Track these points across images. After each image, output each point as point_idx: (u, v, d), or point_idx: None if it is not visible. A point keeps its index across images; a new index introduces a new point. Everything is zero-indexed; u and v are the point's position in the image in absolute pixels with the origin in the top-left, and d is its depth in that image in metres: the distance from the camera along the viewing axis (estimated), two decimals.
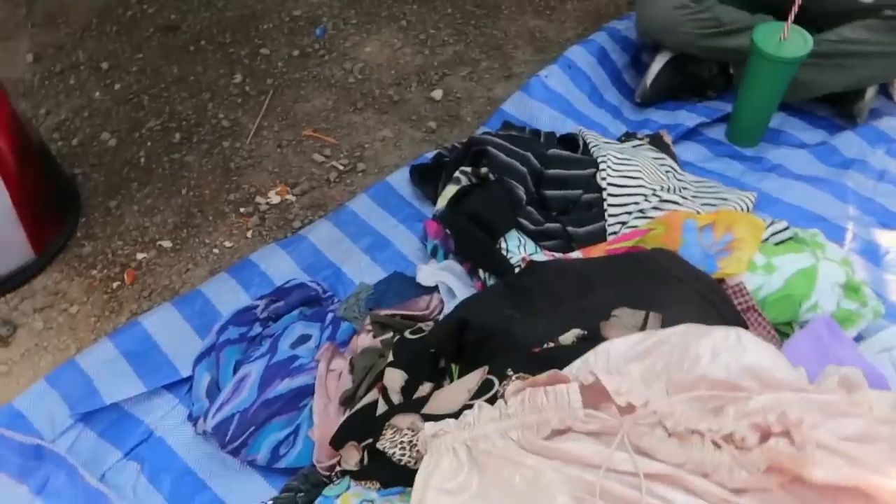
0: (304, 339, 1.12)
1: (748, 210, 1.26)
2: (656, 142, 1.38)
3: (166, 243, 1.35)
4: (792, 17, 1.27)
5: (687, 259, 0.99)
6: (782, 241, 1.12)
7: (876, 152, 1.41)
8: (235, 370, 1.08)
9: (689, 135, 1.46)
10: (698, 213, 1.12)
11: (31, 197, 1.29)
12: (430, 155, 1.40)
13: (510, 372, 0.82)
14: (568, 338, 0.84)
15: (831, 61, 1.39)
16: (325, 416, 1.01)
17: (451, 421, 0.78)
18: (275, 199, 1.41)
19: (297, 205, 1.41)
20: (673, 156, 1.36)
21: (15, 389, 1.13)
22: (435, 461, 0.76)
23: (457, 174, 1.22)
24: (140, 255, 1.33)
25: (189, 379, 1.12)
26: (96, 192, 1.47)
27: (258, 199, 1.42)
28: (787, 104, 1.48)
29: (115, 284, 1.29)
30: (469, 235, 1.10)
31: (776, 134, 1.48)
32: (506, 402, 0.79)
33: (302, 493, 0.95)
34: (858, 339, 1.06)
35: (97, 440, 1.07)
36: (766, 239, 1.11)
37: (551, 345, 0.84)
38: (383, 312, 1.09)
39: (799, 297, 1.01)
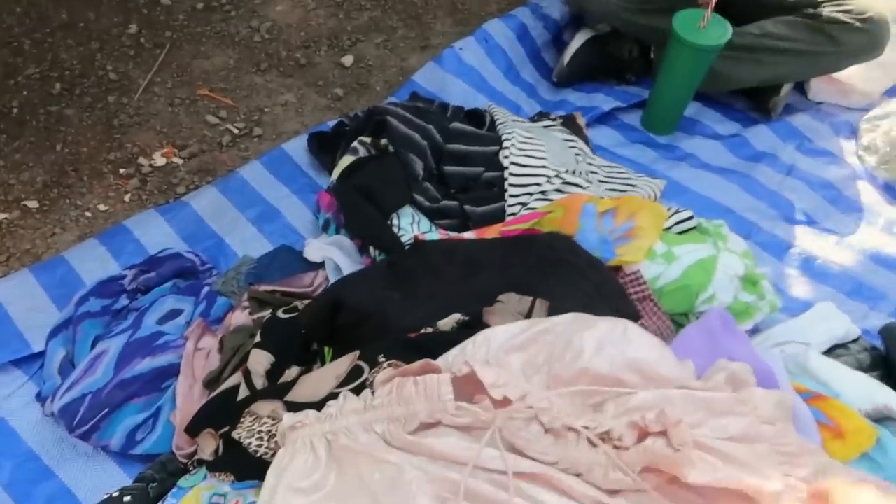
0: (175, 314, 1.02)
1: (655, 198, 1.23)
2: (569, 123, 1.33)
3: (32, 203, 1.22)
4: (713, 4, 1.24)
5: (583, 244, 0.94)
6: (685, 231, 1.09)
7: (787, 147, 1.40)
8: (94, 346, 0.98)
9: (604, 119, 1.42)
10: (601, 198, 1.07)
11: None
12: (331, 123, 1.31)
13: (382, 358, 0.75)
14: (448, 323, 0.78)
15: (751, 55, 1.36)
16: (188, 399, 0.92)
17: (311, 412, 0.71)
18: (160, 162, 1.30)
19: (184, 169, 1.29)
20: (585, 139, 1.32)
21: None
22: (290, 456, 0.69)
23: (354, 144, 1.14)
24: (1, 216, 1.20)
25: (42, 354, 1.00)
26: None
27: (141, 160, 1.30)
28: (704, 95, 1.45)
29: None
30: (359, 210, 1.02)
31: (691, 123, 1.45)
32: (373, 392, 0.72)
33: (155, 484, 0.86)
34: (754, 331, 1.04)
35: None
36: (670, 227, 1.08)
37: (430, 330, 0.78)
38: (263, 288, 1.01)
39: (696, 288, 0.97)
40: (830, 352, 1.01)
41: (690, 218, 1.09)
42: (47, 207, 1.22)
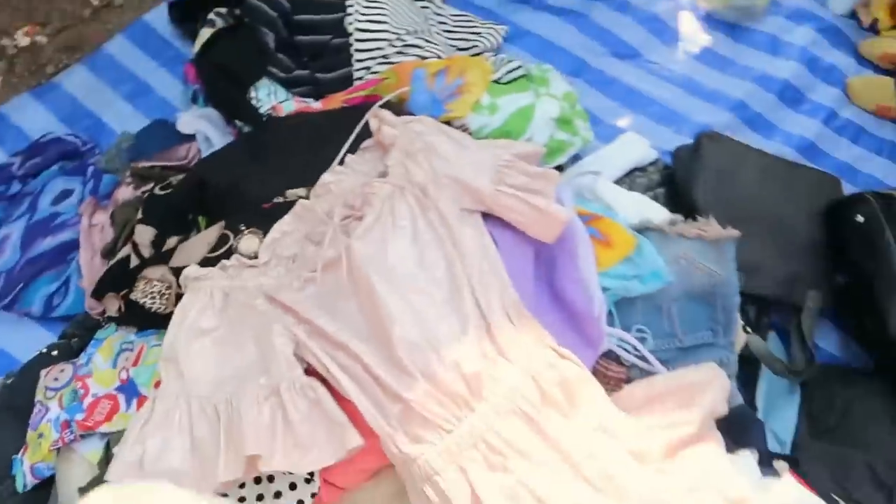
0: (67, 194, 1.14)
1: (498, 44, 1.36)
2: None
3: None
4: None
5: (416, 104, 1.08)
6: (516, 79, 1.25)
7: None
8: None
9: None
10: (439, 57, 1.20)
11: None
12: None
13: (243, 227, 0.92)
14: (295, 193, 0.94)
15: None
16: (91, 267, 1.08)
17: (214, 269, 0.88)
18: (23, 41, 1.34)
19: (50, 47, 1.34)
20: None
21: None
22: (191, 301, 0.88)
23: (211, 16, 1.21)
24: None
25: None
26: None
27: (4, 41, 1.33)
28: None
29: None
30: (218, 86, 1.13)
31: None
32: (240, 254, 0.90)
33: (76, 339, 1.05)
34: (571, 162, 1.22)
35: None
36: (501, 78, 1.23)
37: (280, 200, 0.94)
38: (142, 164, 1.13)
39: (516, 134, 1.14)
40: (630, 174, 1.23)
41: (519, 67, 1.24)
42: None
